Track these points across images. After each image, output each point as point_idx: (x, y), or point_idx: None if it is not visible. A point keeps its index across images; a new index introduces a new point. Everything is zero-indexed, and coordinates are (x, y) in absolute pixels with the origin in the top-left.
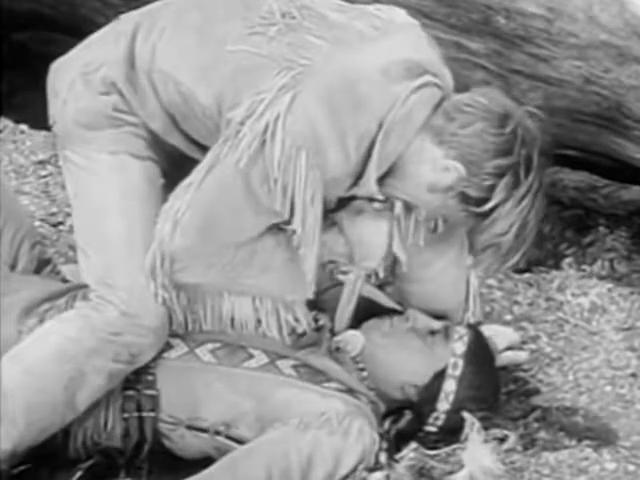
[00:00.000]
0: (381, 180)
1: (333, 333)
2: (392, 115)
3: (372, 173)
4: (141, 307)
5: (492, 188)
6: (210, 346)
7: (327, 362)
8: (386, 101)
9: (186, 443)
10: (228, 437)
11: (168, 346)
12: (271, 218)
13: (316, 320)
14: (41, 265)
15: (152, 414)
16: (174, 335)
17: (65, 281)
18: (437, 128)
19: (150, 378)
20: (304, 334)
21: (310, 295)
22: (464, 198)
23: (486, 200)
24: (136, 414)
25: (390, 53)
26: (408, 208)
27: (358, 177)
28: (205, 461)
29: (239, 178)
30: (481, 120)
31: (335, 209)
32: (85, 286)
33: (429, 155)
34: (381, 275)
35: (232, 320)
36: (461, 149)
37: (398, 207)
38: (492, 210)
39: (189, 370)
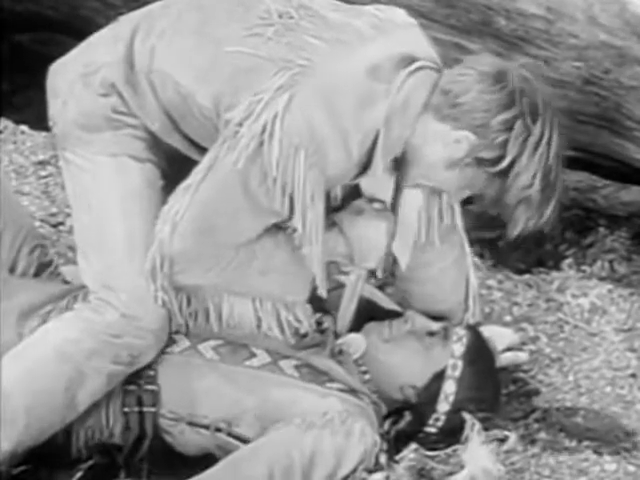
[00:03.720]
0: (400, 174)
1: (336, 335)
2: (390, 103)
3: (379, 162)
4: (141, 309)
5: (504, 144)
6: (213, 343)
7: (330, 363)
8: (381, 95)
9: (187, 439)
10: (229, 435)
11: (170, 341)
12: (270, 218)
13: (320, 322)
14: (41, 268)
15: (153, 409)
16: (177, 330)
17: (66, 282)
18: (437, 105)
19: (151, 373)
20: (306, 335)
21: (323, 292)
22: (481, 162)
23: (502, 157)
24: (137, 409)
25: (384, 51)
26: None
27: (365, 167)
28: (206, 461)
29: (237, 179)
30: (476, 83)
31: (336, 209)
32: (85, 287)
33: (437, 133)
34: (380, 275)
35: (233, 321)
36: (465, 117)
37: (403, 209)
38: (511, 165)
39: (190, 366)
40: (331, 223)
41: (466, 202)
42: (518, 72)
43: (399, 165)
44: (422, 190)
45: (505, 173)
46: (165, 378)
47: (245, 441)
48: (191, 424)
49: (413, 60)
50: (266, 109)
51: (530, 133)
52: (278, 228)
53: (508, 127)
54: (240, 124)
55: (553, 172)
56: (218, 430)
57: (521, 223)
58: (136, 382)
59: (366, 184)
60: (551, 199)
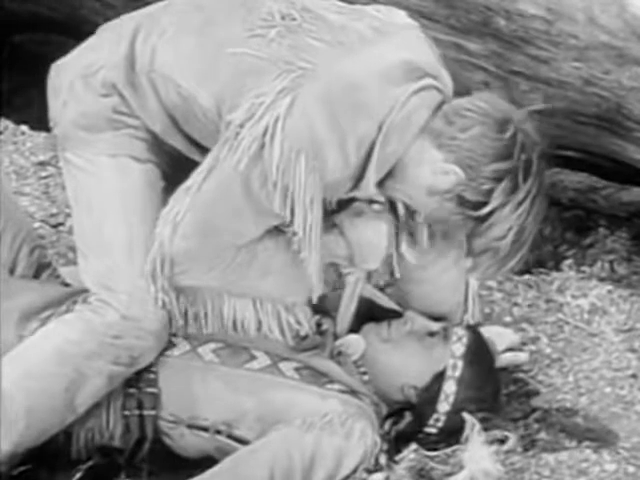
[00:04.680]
0: (381, 182)
1: (336, 336)
2: (392, 117)
3: (372, 175)
4: (141, 310)
5: (490, 192)
6: (212, 345)
7: (330, 364)
8: (385, 104)
9: (187, 442)
10: (229, 437)
11: (170, 344)
12: (270, 220)
13: (320, 324)
14: (40, 269)
15: (153, 412)
16: (177, 333)
17: (65, 284)
18: (436, 131)
19: (151, 376)
20: (307, 337)
21: (318, 294)
22: (462, 201)
23: (484, 204)
24: (137, 412)
25: (389, 55)
26: (410, 211)
27: (358, 180)
28: (206, 462)
29: (238, 181)
30: (480, 124)
31: (335, 211)
32: (85, 291)
33: (429, 158)
34: (387, 279)
35: (233, 323)
36: (460, 153)
37: (401, 208)
38: (490, 214)
39: (190, 369)
40: (331, 225)
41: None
42: (522, 123)
43: (384, 176)
44: None
45: (482, 220)
46: (165, 381)
47: (245, 443)
48: (191, 427)
49: (419, 72)
50: (268, 112)
51: (518, 190)
52: (279, 230)
53: (498, 178)
54: (242, 126)
55: (527, 230)
56: (218, 432)
57: (481, 269)
58: (136, 385)
59: (358, 195)
60: (517, 254)
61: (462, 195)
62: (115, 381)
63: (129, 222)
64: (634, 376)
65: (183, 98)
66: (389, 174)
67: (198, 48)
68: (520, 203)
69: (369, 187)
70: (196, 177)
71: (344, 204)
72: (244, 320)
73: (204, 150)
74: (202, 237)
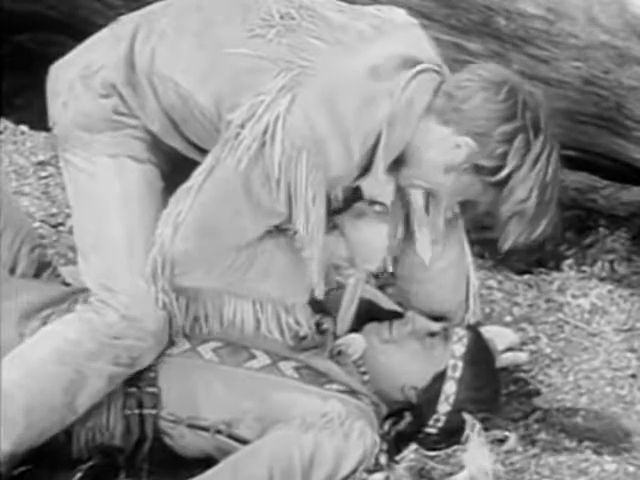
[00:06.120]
0: (396, 172)
1: (336, 336)
2: (393, 104)
3: (380, 163)
4: (141, 311)
5: (504, 155)
6: (213, 345)
7: (329, 364)
8: (384, 96)
9: (187, 442)
10: (229, 437)
11: (170, 342)
12: (272, 220)
13: (320, 324)
14: (41, 268)
15: (153, 412)
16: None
17: (65, 284)
18: (440, 109)
19: (152, 375)
20: (306, 337)
21: (319, 295)
22: (478, 170)
23: (500, 168)
24: (137, 411)
25: (388, 51)
26: (427, 202)
27: (365, 168)
28: (206, 462)
29: (239, 180)
30: (481, 91)
31: (336, 211)
32: (86, 290)
33: (438, 136)
34: (380, 275)
35: (233, 323)
36: (467, 123)
37: (419, 201)
38: (508, 177)
39: (190, 368)
40: (332, 226)
41: (461, 207)
42: (521, 84)
43: (397, 165)
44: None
45: (502, 184)
46: (165, 380)
47: (245, 443)
48: (191, 426)
49: (415, 62)
50: (268, 110)
51: (531, 147)
52: (279, 230)
53: (509, 139)
54: (242, 125)
55: (549, 188)
56: (218, 432)
57: (512, 236)
58: (137, 384)
59: (367, 186)
60: (545, 215)
61: (477, 164)
62: (115, 382)
63: (129, 222)
64: (634, 376)
65: (182, 98)
66: (402, 163)
67: (197, 48)
68: (536, 160)
69: (378, 174)
70: (197, 177)
71: (349, 203)
72: (244, 321)
73: (203, 151)
74: (203, 238)
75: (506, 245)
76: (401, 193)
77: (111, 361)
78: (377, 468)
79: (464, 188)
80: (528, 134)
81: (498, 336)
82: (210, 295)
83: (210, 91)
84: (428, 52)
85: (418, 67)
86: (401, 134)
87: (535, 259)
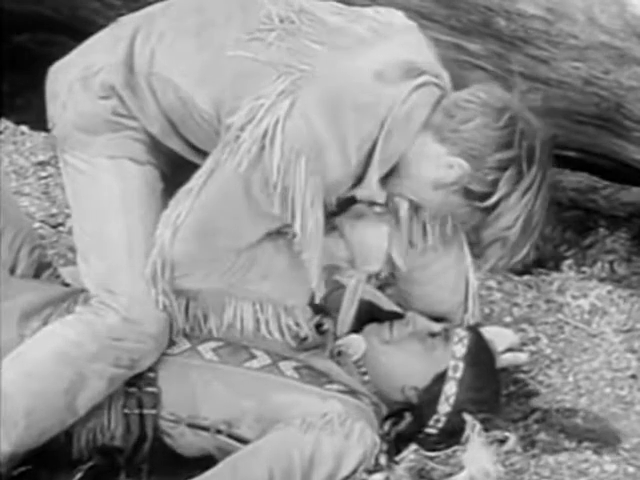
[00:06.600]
0: (385, 180)
1: (336, 337)
2: (392, 115)
3: (374, 173)
4: (142, 313)
5: (495, 182)
6: (213, 344)
7: (330, 364)
8: (385, 103)
9: (187, 441)
10: (230, 436)
11: (170, 342)
12: (271, 223)
13: (320, 324)
14: (41, 269)
15: (153, 411)
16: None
17: (65, 284)
18: (438, 126)
19: (151, 375)
20: (306, 338)
21: (318, 297)
22: (468, 193)
23: (490, 194)
24: (137, 411)
25: (388, 56)
26: (415, 209)
27: (360, 178)
28: (206, 462)
29: (239, 183)
30: (480, 115)
31: (336, 213)
32: (86, 291)
33: (432, 153)
34: (381, 276)
35: (233, 324)
36: (463, 145)
37: (403, 209)
38: (496, 204)
39: (190, 368)
40: (332, 227)
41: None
42: (522, 111)
43: (387, 174)
44: None
45: (489, 210)
46: (165, 380)
47: (245, 442)
48: (191, 426)
49: (417, 71)
50: (268, 114)
51: (523, 178)
52: (279, 233)
53: (503, 167)
54: (242, 129)
55: (535, 217)
56: (218, 432)
57: (493, 260)
58: (137, 384)
59: (360, 195)
60: (527, 243)
61: (468, 187)
62: (115, 383)
63: (128, 224)
64: (634, 376)
65: (182, 100)
66: (393, 172)
67: (197, 51)
68: (526, 191)
69: (371, 184)
70: (197, 180)
71: (344, 206)
72: (244, 322)
73: (203, 153)
74: (202, 240)
75: (486, 267)
76: (389, 197)
77: (112, 363)
78: (377, 468)
79: (450, 207)
80: (522, 165)
81: (498, 337)
82: (210, 296)
83: (209, 94)
84: (428, 58)
85: (420, 79)
86: (397, 145)
87: (535, 260)
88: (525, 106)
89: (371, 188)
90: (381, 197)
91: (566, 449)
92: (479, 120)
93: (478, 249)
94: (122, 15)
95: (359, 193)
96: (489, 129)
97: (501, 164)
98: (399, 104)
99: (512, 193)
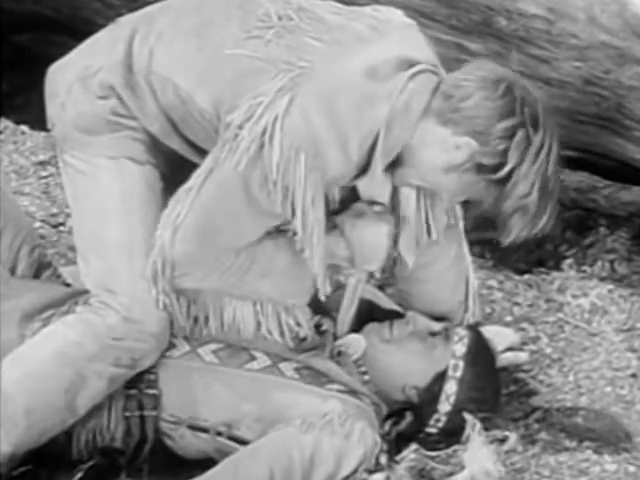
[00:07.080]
0: (391, 171)
1: (336, 337)
2: (391, 106)
3: (378, 164)
4: (142, 312)
5: (505, 152)
6: (213, 346)
7: (330, 364)
8: (384, 97)
9: (187, 443)
10: (230, 438)
11: (170, 344)
12: (271, 221)
13: (320, 324)
14: (41, 269)
15: (154, 413)
16: (177, 334)
17: (65, 284)
18: (438, 110)
19: (152, 377)
20: (306, 338)
21: (324, 295)
22: (480, 168)
23: (502, 165)
24: (138, 413)
25: (386, 52)
26: (421, 202)
27: (363, 169)
28: (206, 462)
29: (238, 182)
30: (478, 90)
31: (336, 212)
32: (87, 291)
33: (437, 137)
34: (379, 275)
35: (233, 325)
36: (466, 122)
37: (411, 202)
38: (510, 173)
39: (190, 370)
40: (332, 226)
41: (463, 206)
42: (518, 80)
43: (393, 165)
44: (416, 190)
45: (504, 181)
46: (166, 382)
47: (245, 444)
48: (191, 427)
49: (412, 63)
50: (266, 112)
51: (531, 143)
52: (279, 231)
53: (509, 135)
54: (241, 127)
55: (551, 182)
56: (218, 434)
57: (515, 231)
58: (137, 386)
59: (364, 186)
60: (547, 209)
61: (479, 162)
62: (115, 383)
63: (128, 224)
64: (634, 376)
65: (181, 99)
66: (401, 163)
67: (196, 50)
68: (537, 155)
69: (375, 175)
70: (196, 179)
71: (346, 203)
72: (244, 322)
73: (202, 152)
74: (202, 239)
75: (508, 240)
76: (394, 193)
77: (112, 362)
78: (378, 468)
79: (466, 187)
80: (527, 129)
81: (498, 336)
82: (210, 296)
83: (208, 92)
84: (425, 53)
85: (415, 68)
86: (399, 135)
87: (535, 259)
88: (520, 76)
89: (375, 178)
90: (386, 190)
91: (567, 448)
92: (478, 95)
93: (499, 224)
94: (122, 15)
95: (364, 189)
96: (489, 101)
97: (507, 132)
98: (397, 94)
99: (524, 160)
